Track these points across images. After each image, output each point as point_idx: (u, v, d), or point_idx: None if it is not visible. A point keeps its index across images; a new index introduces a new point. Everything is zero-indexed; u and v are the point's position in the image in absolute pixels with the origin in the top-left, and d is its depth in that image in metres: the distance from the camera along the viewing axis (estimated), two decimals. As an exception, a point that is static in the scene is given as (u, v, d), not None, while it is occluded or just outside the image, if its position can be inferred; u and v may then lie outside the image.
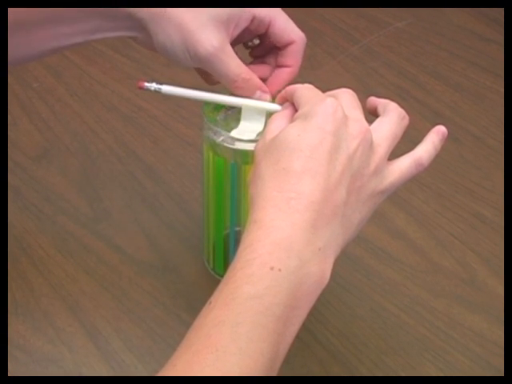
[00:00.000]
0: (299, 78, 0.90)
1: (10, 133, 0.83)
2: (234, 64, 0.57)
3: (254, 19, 0.57)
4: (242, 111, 0.58)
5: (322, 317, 0.65)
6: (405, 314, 0.66)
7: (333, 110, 0.49)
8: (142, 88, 0.59)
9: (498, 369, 0.61)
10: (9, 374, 0.59)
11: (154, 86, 0.59)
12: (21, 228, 0.72)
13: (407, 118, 0.54)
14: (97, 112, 0.87)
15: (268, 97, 0.58)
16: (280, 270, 0.46)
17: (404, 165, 0.52)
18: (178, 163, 0.80)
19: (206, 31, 0.55)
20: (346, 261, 0.70)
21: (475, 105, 0.90)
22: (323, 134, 0.48)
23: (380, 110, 0.54)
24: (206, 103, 0.59)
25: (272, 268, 0.46)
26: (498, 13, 1.05)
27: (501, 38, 1.00)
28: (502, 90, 0.91)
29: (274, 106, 0.57)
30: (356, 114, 0.51)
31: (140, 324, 0.64)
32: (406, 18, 1.05)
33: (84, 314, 0.65)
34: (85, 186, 0.77)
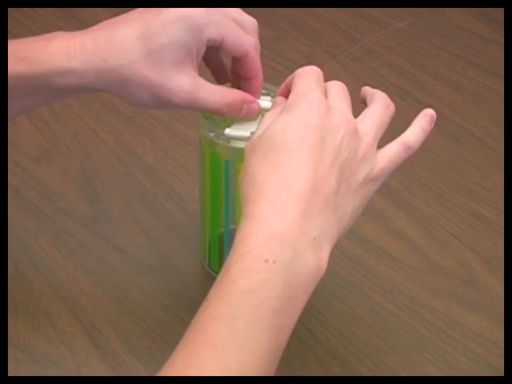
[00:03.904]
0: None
1: (10, 133, 0.83)
2: (211, 97, 0.55)
3: (208, 41, 0.55)
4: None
5: (322, 317, 0.65)
6: (405, 314, 0.66)
7: (316, 105, 0.50)
8: None
9: (497, 369, 0.61)
10: (9, 374, 0.59)
11: None
12: (21, 228, 0.72)
13: (392, 105, 0.54)
14: (97, 112, 0.87)
15: (256, 105, 0.57)
16: (275, 262, 0.46)
17: (392, 150, 0.53)
18: (177, 163, 0.80)
19: (172, 80, 0.54)
20: (346, 261, 0.70)
21: (475, 105, 0.90)
22: (307, 127, 0.49)
23: (368, 100, 0.55)
24: None
25: (266, 260, 0.45)
26: (498, 13, 1.04)
27: (501, 38, 1.00)
28: (502, 89, 0.91)
29: (270, 104, 0.57)
30: (341, 105, 0.52)
31: (140, 324, 0.64)
32: (406, 17, 1.05)
33: (84, 314, 0.65)
34: (85, 186, 0.77)
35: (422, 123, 0.55)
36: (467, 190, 0.78)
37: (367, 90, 0.56)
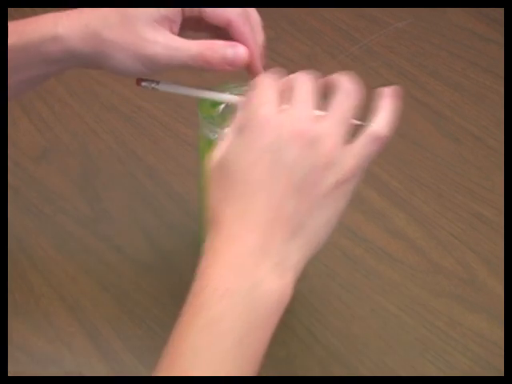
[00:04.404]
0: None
1: (10, 133, 0.83)
2: (189, 44, 0.55)
3: (183, 10, 0.56)
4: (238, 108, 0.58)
5: (322, 317, 0.65)
6: (405, 314, 0.66)
7: (265, 123, 0.47)
8: (139, 85, 0.60)
9: (497, 369, 0.61)
10: (9, 374, 0.59)
11: (151, 83, 0.59)
12: (21, 228, 0.72)
13: (355, 91, 0.50)
14: (97, 112, 0.87)
15: (242, 49, 0.55)
16: (234, 292, 0.45)
17: (360, 145, 0.49)
18: (177, 163, 0.80)
19: (148, 35, 0.55)
20: (346, 261, 0.70)
21: (475, 105, 0.90)
22: (258, 150, 0.47)
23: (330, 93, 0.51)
24: (202, 100, 0.60)
25: (225, 291, 0.45)
26: (498, 13, 1.05)
27: (501, 38, 1.00)
28: (502, 89, 0.91)
29: None
30: (299, 111, 0.48)
31: (140, 324, 0.64)
32: (406, 17, 1.05)
33: (84, 314, 0.65)
34: (85, 186, 0.77)
35: (389, 104, 0.51)
36: (467, 190, 0.78)
37: (329, 80, 0.52)
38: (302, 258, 0.48)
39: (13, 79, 0.59)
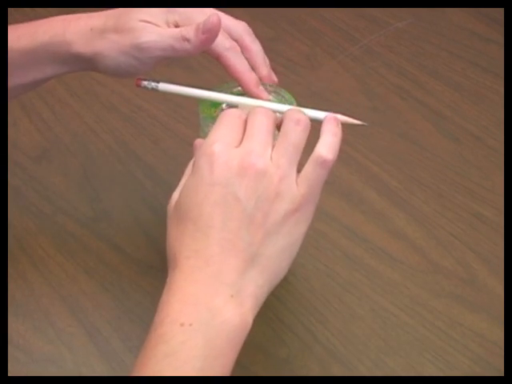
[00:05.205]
0: (300, 78, 0.90)
1: (10, 133, 0.83)
2: (172, 31, 0.57)
3: (175, 23, 0.59)
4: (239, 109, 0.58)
5: (322, 317, 0.65)
6: (405, 314, 0.66)
7: (214, 159, 0.49)
8: (139, 85, 0.60)
9: (497, 369, 0.61)
10: (9, 374, 0.59)
11: (151, 83, 0.59)
12: (21, 228, 0.72)
13: (303, 119, 0.51)
14: (97, 112, 0.87)
15: (212, 17, 0.56)
16: (191, 324, 0.46)
17: (307, 171, 0.50)
18: (178, 163, 0.80)
19: (137, 27, 0.57)
20: (346, 261, 0.70)
21: (475, 105, 0.90)
22: (208, 186, 0.48)
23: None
24: (202, 100, 0.60)
25: (182, 324, 0.46)
26: (498, 13, 1.04)
27: (501, 38, 1.00)
28: (502, 89, 0.91)
29: (272, 105, 0.57)
30: (250, 144, 0.49)
31: (140, 324, 0.64)
32: (406, 17, 1.05)
33: (84, 314, 0.65)
34: (85, 186, 0.77)
35: (331, 128, 0.51)
36: (467, 190, 0.78)
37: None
38: (261, 286, 0.49)
39: (19, 81, 0.61)
